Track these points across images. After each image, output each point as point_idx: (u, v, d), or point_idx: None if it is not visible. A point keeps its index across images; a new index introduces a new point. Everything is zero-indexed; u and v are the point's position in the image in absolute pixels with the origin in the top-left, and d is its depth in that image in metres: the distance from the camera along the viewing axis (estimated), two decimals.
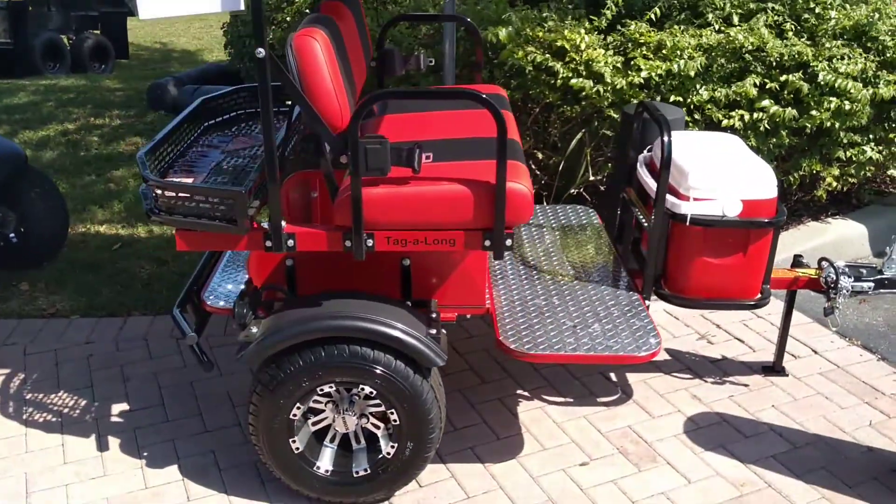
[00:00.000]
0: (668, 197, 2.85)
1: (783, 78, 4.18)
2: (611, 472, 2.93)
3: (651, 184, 2.99)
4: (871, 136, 4.39)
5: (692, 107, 4.24)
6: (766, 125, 4.22)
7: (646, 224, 3.01)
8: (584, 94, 4.16)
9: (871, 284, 3.15)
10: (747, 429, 3.16)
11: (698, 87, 4.20)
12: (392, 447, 2.65)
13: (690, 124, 4.24)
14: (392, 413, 2.60)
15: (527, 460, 2.99)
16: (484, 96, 2.32)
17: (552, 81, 4.22)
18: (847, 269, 3.11)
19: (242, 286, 3.01)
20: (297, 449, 2.66)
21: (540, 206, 3.83)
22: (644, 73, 4.09)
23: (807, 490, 2.85)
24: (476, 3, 4.81)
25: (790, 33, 4.38)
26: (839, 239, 4.51)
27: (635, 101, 4.18)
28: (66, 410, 3.23)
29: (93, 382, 3.40)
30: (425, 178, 2.44)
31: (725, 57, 4.24)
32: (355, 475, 2.69)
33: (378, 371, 2.52)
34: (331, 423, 2.69)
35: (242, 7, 2.27)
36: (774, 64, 4.23)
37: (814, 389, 3.41)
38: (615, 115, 4.22)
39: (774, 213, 2.86)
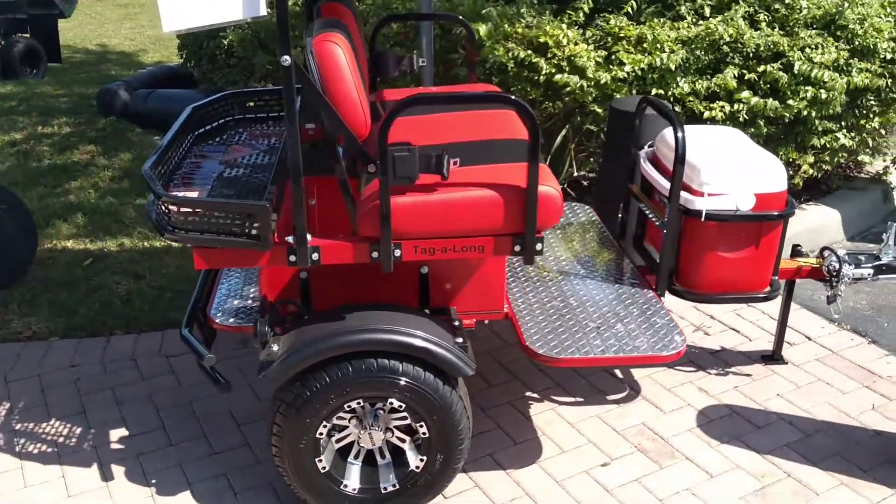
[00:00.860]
0: (682, 193, 2.84)
1: (761, 68, 4.24)
2: (633, 471, 2.92)
3: (660, 180, 2.98)
4: (843, 124, 4.48)
5: (673, 99, 4.26)
6: (745, 115, 4.27)
7: (656, 221, 3.00)
8: (568, 89, 4.14)
9: (871, 271, 3.21)
10: (758, 419, 3.19)
11: (679, 79, 4.22)
12: (421, 460, 2.59)
13: None
14: (421, 426, 2.54)
15: (548, 464, 2.95)
16: (514, 98, 2.27)
17: (535, 77, 4.19)
18: (848, 257, 3.17)
19: (250, 301, 2.90)
20: (324, 468, 2.57)
21: None
22: (627, 68, 4.10)
23: (825, 477, 2.89)
24: None
25: (763, 24, 4.44)
26: (816, 225, 4.60)
27: (619, 96, 4.18)
28: (60, 439, 3.06)
29: (85, 408, 3.24)
30: (452, 185, 2.37)
31: (703, 49, 4.27)
32: (384, 491, 2.62)
33: (407, 384, 2.45)
34: (355, 439, 2.61)
35: (264, 13, 2.17)
36: (751, 55, 4.29)
37: (814, 376, 3.46)
38: (598, 110, 4.21)
39: (785, 205, 2.88)
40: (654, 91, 4.21)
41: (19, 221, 4.02)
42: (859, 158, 4.81)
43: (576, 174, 4.45)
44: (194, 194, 2.59)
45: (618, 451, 3.02)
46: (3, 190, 4.03)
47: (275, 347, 2.47)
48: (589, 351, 2.60)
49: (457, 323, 2.64)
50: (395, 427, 2.60)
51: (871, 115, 4.50)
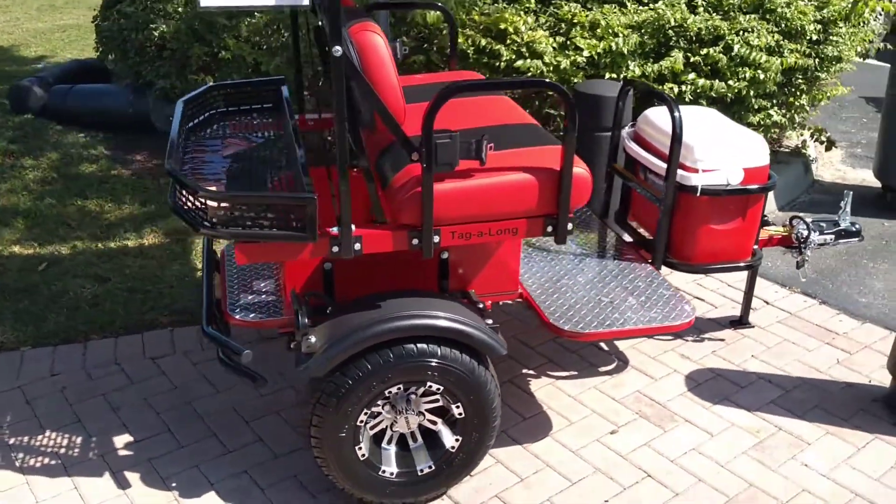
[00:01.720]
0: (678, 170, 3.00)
1: (704, 51, 4.48)
2: (640, 436, 3.07)
3: (651, 158, 3.13)
4: (774, 101, 4.79)
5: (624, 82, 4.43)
6: (690, 96, 4.51)
7: (648, 197, 3.15)
8: (529, 74, 4.25)
9: (832, 236, 3.48)
10: (740, 379, 3.41)
11: (630, 63, 4.41)
12: (457, 440, 2.65)
13: None
14: (457, 407, 2.60)
15: (560, 436, 3.07)
16: (555, 83, 2.35)
17: (496, 64, 4.28)
18: (813, 225, 3.42)
19: (264, 295, 2.87)
20: (364, 456, 2.59)
21: None
22: (586, 53, 4.24)
23: (811, 428, 3.13)
24: None
25: (701, 9, 4.68)
26: None
27: (576, 80, 4.33)
28: (62, 451, 2.94)
29: (79, 417, 3.12)
30: (487, 169, 2.43)
31: (650, 33, 4.47)
32: (420, 473, 2.67)
33: (445, 366, 2.50)
34: (387, 424, 2.64)
35: (306, 3, 2.16)
36: (694, 39, 4.52)
37: (780, 336, 3.72)
38: (555, 95, 4.34)
39: (767, 178, 3.09)
40: (607, 75, 4.38)
41: None
42: (786, 134, 5.15)
43: None
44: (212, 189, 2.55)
45: (622, 418, 3.17)
46: None
47: (312, 339, 2.47)
48: (611, 324, 2.72)
49: (481, 305, 2.71)
50: (426, 410, 2.64)
51: (799, 93, 4.83)
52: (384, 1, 3.91)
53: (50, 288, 3.94)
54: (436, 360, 2.49)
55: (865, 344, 3.67)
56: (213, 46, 5.24)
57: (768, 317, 3.89)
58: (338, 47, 2.11)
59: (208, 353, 3.52)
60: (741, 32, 4.54)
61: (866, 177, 5.63)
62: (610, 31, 4.35)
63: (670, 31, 4.49)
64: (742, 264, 3.21)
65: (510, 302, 3.67)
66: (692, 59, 4.48)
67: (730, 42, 4.48)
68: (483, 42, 4.22)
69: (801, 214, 3.46)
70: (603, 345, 3.64)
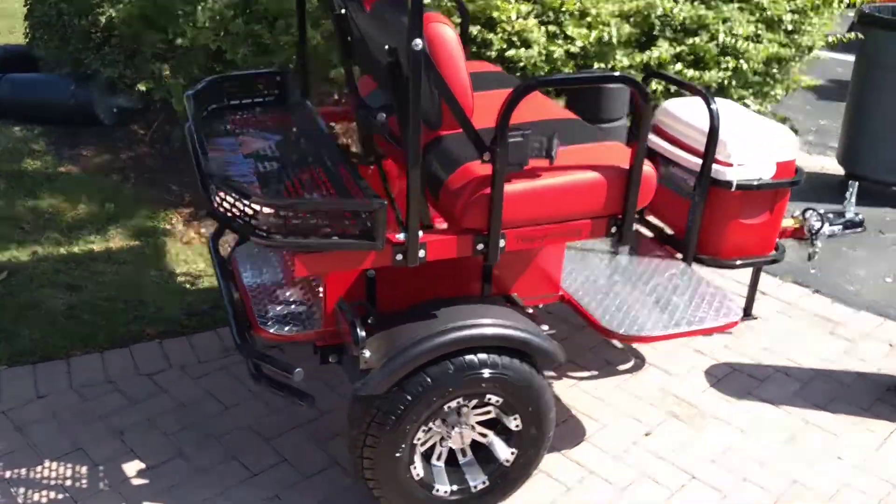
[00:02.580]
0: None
1: (689, 41, 4.45)
2: (676, 437, 3.02)
3: (676, 152, 3.06)
4: (751, 91, 4.82)
5: None
6: (675, 87, 4.48)
7: (679, 191, 3.07)
8: (521, 64, 4.13)
9: (840, 227, 3.51)
10: (758, 373, 3.41)
11: (618, 53, 4.34)
12: (512, 453, 2.52)
13: None
14: (515, 419, 2.47)
15: (597, 440, 2.99)
16: (632, 78, 2.24)
17: (486, 53, 4.14)
18: (824, 216, 3.43)
19: (293, 306, 2.65)
20: (418, 476, 2.44)
21: None
22: (579, 43, 4.15)
23: (837, 419, 3.14)
24: None
25: None
26: None
27: (567, 70, 4.23)
28: (69, 483, 2.67)
29: (80, 444, 2.84)
30: (553, 169, 2.30)
31: (638, 23, 4.41)
32: (474, 489, 2.53)
33: (504, 377, 2.37)
34: (436, 440, 2.50)
35: None
36: (679, 28, 4.49)
37: (784, 328, 3.74)
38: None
39: (795, 172, 3.07)
40: (595, 64, 4.30)
41: None
42: None
43: None
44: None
45: (653, 419, 3.11)
46: None
47: (367, 354, 2.29)
48: (665, 326, 2.65)
49: (531, 310, 2.59)
50: (477, 423, 2.51)
51: (774, 83, 4.88)
52: None
53: (17, 300, 3.59)
54: (496, 371, 2.36)
55: (865, 332, 3.73)
56: (169, 33, 4.89)
57: (769, 307, 3.90)
58: (418, 40, 1.93)
59: (206, 366, 3.28)
60: (724, 21, 4.54)
61: (825, 164, 5.76)
62: (600, 20, 4.27)
63: (656, 21, 4.44)
64: (769, 258, 3.18)
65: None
66: (677, 49, 4.44)
67: (714, 31, 4.47)
68: (474, 31, 4.07)
69: (813, 206, 3.46)
70: (615, 341, 3.57)
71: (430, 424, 2.41)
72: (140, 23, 4.97)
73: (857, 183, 3.56)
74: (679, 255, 3.09)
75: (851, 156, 5.19)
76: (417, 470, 2.43)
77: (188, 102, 2.71)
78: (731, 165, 2.94)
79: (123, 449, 2.83)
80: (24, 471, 2.71)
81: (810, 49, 4.90)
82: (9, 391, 3.07)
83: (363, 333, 2.27)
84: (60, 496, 2.62)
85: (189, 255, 4.04)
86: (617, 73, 2.42)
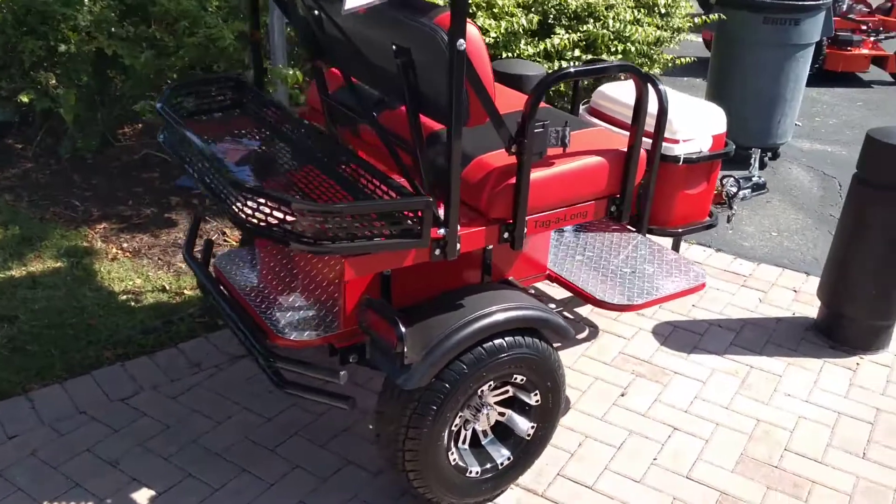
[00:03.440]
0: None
1: (584, 28, 4.73)
2: (648, 394, 3.27)
3: (620, 132, 3.30)
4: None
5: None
6: None
7: None
8: None
9: (749, 190, 3.90)
10: (696, 328, 3.74)
11: (522, 42, 4.55)
12: (532, 427, 2.67)
13: None
14: (535, 394, 2.61)
15: (581, 406, 3.19)
16: (637, 67, 2.42)
17: None
18: (739, 182, 3.81)
19: (310, 311, 2.64)
20: (454, 461, 2.53)
21: None
22: (493, 34, 4.32)
23: (773, 361, 3.52)
24: None
25: None
26: None
27: None
28: None
29: (75, 480, 2.69)
30: (562, 156, 2.45)
31: (536, 12, 4.64)
32: (501, 466, 2.65)
33: (528, 356, 2.51)
34: (461, 424, 2.60)
35: None
36: (573, 16, 4.76)
37: (709, 286, 4.11)
38: None
39: (725, 144, 3.39)
40: (504, 54, 4.49)
41: None
42: None
43: None
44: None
45: (623, 380, 3.35)
46: None
47: (409, 349, 2.35)
48: (650, 293, 2.87)
49: (532, 292, 2.73)
50: (496, 402, 2.63)
51: (652, 63, 5.27)
52: None
53: None
54: (521, 351, 2.49)
55: (770, 282, 4.17)
56: (50, 39, 4.59)
57: None
58: (462, 41, 2.01)
59: (180, 384, 3.18)
60: (609, 8, 4.86)
61: None
62: (505, 11, 4.45)
63: (551, 10, 4.68)
64: (706, 223, 3.50)
65: None
66: (572, 37, 4.71)
67: (605, 17, 4.77)
68: None
69: (730, 173, 3.83)
70: (566, 313, 3.79)
71: (465, 410, 2.51)
72: (15, 30, 4.63)
73: (758, 150, 3.96)
74: (632, 228, 3.34)
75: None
76: (454, 455, 2.52)
77: (166, 114, 2.62)
78: (677, 142, 3.21)
79: (125, 479, 2.71)
80: None
81: (679, 31, 5.33)
82: None
83: (404, 329, 2.32)
84: None
85: (121, 271, 3.85)
86: (621, 63, 2.59)
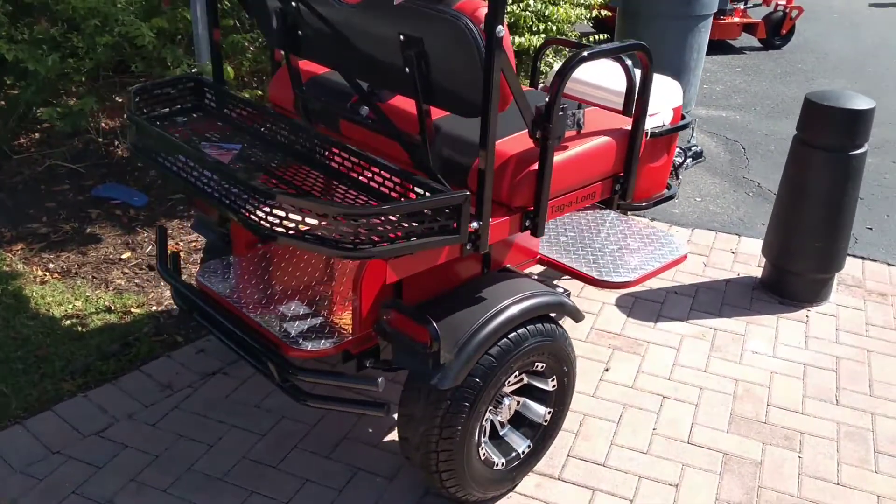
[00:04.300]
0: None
1: (508, 10, 4.73)
2: (630, 367, 3.34)
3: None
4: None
5: None
6: None
7: None
8: None
9: (690, 160, 4.03)
10: (655, 297, 3.85)
11: None
12: (548, 412, 2.66)
13: None
14: (552, 380, 2.61)
15: None
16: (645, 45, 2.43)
17: None
18: (685, 152, 3.93)
19: (319, 319, 2.51)
20: (483, 456, 2.49)
21: None
22: None
23: (733, 321, 3.68)
24: None
25: None
26: None
27: None
28: None
29: None
30: (573, 138, 2.44)
31: None
32: (522, 454, 2.64)
33: (548, 343, 2.50)
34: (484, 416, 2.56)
35: None
36: None
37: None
38: None
39: (682, 116, 3.48)
40: None
41: None
42: None
43: None
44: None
45: (603, 355, 3.40)
46: None
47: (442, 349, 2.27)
48: (639, 268, 2.92)
49: (535, 277, 2.71)
50: (511, 392, 2.61)
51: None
52: None
53: None
54: (542, 338, 2.47)
55: (708, 245, 4.35)
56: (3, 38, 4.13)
57: None
58: (501, 27, 1.95)
59: (156, 409, 2.97)
60: None
61: None
62: None
63: None
64: (665, 195, 3.58)
65: None
66: None
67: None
68: None
69: None
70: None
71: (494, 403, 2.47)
72: None
73: (696, 119, 4.09)
74: (602, 206, 3.38)
75: None
76: (483, 450, 2.48)
77: (140, 120, 2.41)
78: None
79: None
80: None
81: (589, 7, 5.43)
82: None
83: (438, 330, 2.25)
84: None
85: (55, 295, 3.54)
86: (632, 42, 2.58)
